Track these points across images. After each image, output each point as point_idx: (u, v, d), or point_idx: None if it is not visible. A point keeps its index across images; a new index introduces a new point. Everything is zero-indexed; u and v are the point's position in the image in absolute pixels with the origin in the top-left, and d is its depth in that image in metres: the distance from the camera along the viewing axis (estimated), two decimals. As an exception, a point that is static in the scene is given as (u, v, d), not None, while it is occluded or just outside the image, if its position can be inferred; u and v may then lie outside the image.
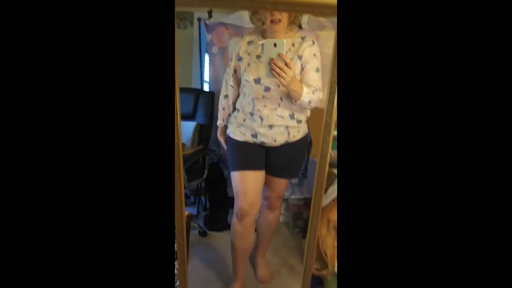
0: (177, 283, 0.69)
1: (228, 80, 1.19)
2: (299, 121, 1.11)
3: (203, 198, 2.02)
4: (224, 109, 1.23)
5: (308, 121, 1.18)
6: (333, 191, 1.05)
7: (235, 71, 1.16)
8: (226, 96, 1.21)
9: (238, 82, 1.17)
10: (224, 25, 1.80)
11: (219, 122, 1.25)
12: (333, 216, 0.98)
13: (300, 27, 1.62)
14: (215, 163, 2.01)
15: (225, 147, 1.24)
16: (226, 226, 1.81)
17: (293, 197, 1.84)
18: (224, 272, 1.46)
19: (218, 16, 1.81)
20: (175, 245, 0.62)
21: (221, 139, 1.26)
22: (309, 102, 1.02)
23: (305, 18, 1.63)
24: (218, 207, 1.93)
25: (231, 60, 1.16)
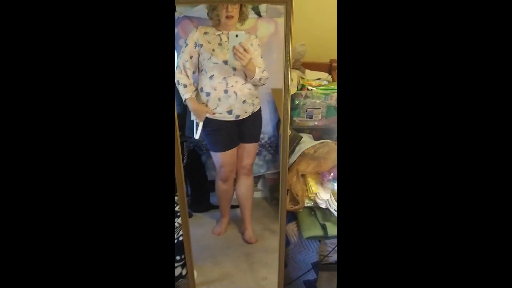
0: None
1: (185, 64, 1.40)
2: (257, 93, 1.47)
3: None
4: (186, 85, 1.40)
5: (276, 102, 1.45)
6: (299, 149, 1.26)
7: (191, 57, 1.40)
8: (185, 76, 1.41)
9: (194, 66, 1.42)
10: (189, 18, 1.92)
11: (189, 95, 1.39)
12: (301, 167, 1.22)
13: (259, 15, 1.78)
14: (192, 150, 2.13)
15: (199, 119, 1.44)
16: (209, 207, 1.93)
17: (268, 172, 2.00)
18: (211, 243, 1.60)
19: (182, 10, 1.92)
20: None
21: (195, 108, 1.41)
22: (260, 79, 1.37)
23: (263, 7, 1.80)
24: (200, 190, 2.05)
25: (185, 46, 1.40)
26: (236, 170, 1.61)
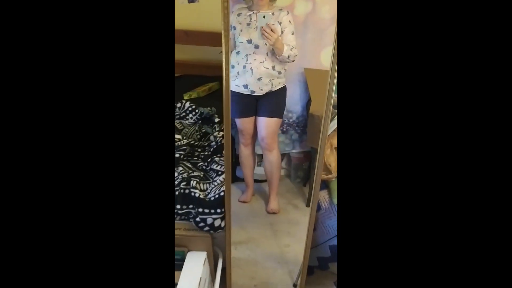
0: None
1: None
2: (279, 72, 1.54)
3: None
4: None
5: (308, 82, 1.50)
6: (333, 124, 1.33)
7: None
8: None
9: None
10: (229, -6, 1.96)
11: None
12: (334, 141, 1.29)
13: (298, -6, 1.81)
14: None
15: None
16: (235, 179, 2.02)
17: (294, 151, 2.05)
18: (237, 211, 1.68)
19: (222, -14, 1.96)
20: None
21: None
22: (289, 56, 1.46)
23: (302, -14, 1.82)
24: (226, 164, 2.14)
25: None
26: (260, 146, 1.71)
